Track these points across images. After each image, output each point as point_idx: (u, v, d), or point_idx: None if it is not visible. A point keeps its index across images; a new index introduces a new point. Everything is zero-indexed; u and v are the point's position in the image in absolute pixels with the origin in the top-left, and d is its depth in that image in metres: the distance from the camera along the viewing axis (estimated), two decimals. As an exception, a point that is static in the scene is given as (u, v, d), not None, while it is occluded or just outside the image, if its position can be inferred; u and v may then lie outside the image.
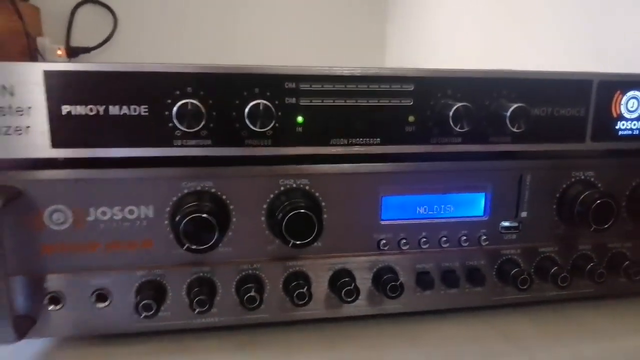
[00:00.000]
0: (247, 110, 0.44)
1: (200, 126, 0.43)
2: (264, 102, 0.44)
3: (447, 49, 1.44)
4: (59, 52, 1.61)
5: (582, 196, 0.53)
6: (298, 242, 0.46)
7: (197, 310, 0.47)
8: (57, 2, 1.66)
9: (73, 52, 1.66)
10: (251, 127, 0.44)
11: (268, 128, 0.44)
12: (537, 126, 0.51)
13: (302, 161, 0.49)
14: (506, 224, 0.55)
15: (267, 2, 1.81)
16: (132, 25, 1.73)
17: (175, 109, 0.43)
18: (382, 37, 1.90)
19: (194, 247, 0.45)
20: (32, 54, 1.52)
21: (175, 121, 0.43)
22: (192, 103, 0.42)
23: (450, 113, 0.47)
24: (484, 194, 0.54)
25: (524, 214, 0.55)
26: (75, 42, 1.69)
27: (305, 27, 1.84)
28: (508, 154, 0.54)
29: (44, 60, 1.55)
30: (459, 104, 0.47)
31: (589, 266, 0.55)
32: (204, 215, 0.45)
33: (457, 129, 0.47)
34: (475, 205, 0.54)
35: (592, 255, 0.57)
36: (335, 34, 1.86)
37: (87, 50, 1.68)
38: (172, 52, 1.74)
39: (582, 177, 0.55)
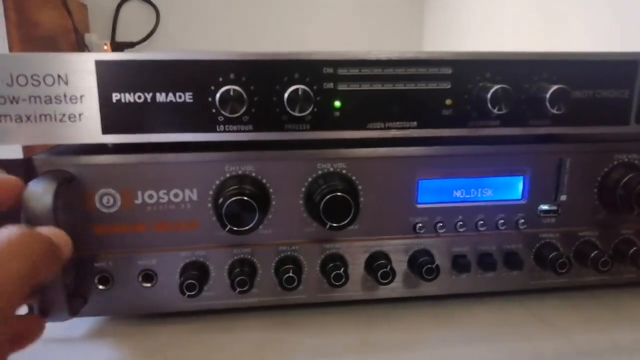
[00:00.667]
0: (286, 95, 0.45)
1: (242, 111, 0.45)
2: (303, 87, 0.45)
3: (486, 34, 1.41)
4: (105, 47, 1.66)
5: (625, 179, 0.52)
6: (335, 225, 0.47)
7: (237, 290, 0.49)
8: None
9: (118, 47, 1.72)
10: (290, 112, 0.45)
11: (307, 113, 0.45)
12: (578, 109, 0.50)
13: (339, 145, 0.50)
14: (545, 207, 0.55)
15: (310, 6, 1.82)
16: (174, 20, 1.77)
17: (218, 95, 0.44)
18: (420, 22, 1.88)
19: (235, 228, 0.47)
20: (81, 50, 1.58)
21: (218, 107, 0.44)
22: (234, 89, 0.44)
23: (489, 95, 0.46)
24: (522, 177, 0.54)
25: (563, 198, 0.54)
26: (120, 37, 1.74)
27: (342, 13, 1.84)
28: (548, 136, 0.53)
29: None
30: (497, 86, 0.46)
31: (632, 250, 0.54)
32: (245, 197, 0.46)
33: (495, 111, 0.47)
34: (514, 188, 0.54)
35: (635, 240, 0.56)
36: (372, 20, 1.85)
37: (131, 45, 1.73)
38: (214, 46, 1.77)
39: (626, 160, 0.54)
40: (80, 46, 1.57)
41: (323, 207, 0.47)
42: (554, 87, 0.47)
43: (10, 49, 1.22)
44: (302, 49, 1.79)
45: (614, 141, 0.54)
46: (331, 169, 0.50)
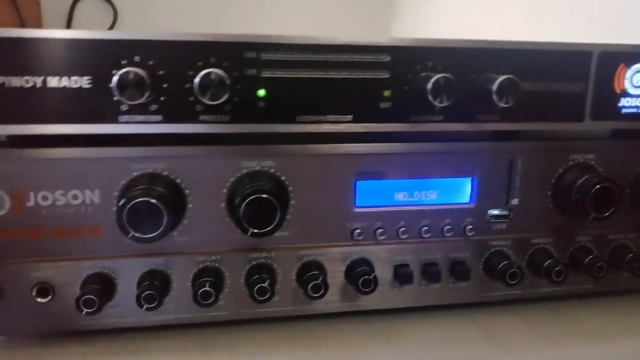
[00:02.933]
0: (197, 80, 0.39)
1: (145, 98, 0.38)
2: (217, 71, 0.39)
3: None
4: None
5: (580, 181, 0.48)
6: (257, 231, 0.41)
7: (145, 306, 0.42)
8: None
9: None
10: (202, 99, 0.39)
11: (221, 101, 0.39)
12: (529, 103, 0.46)
13: (267, 141, 0.44)
14: (495, 212, 0.50)
15: (277, 6, 1.76)
16: (132, 19, 1.69)
17: (115, 78, 0.38)
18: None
19: (138, 235, 0.40)
20: None
21: (116, 92, 0.38)
22: (134, 72, 0.38)
23: (429, 85, 0.41)
24: (470, 178, 0.49)
25: (515, 202, 0.50)
26: None
27: (310, 27, 1.79)
28: (497, 134, 0.49)
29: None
30: (439, 75, 0.41)
31: (588, 259, 0.50)
32: (152, 200, 0.40)
33: (436, 103, 0.42)
34: (461, 191, 0.49)
35: (592, 247, 0.52)
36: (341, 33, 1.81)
37: None
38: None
39: (581, 161, 0.50)
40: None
41: (244, 210, 0.41)
42: (502, 78, 0.42)
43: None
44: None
45: (568, 139, 0.50)
46: (257, 168, 0.45)
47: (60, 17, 1.65)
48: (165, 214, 0.40)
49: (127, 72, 0.38)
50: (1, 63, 0.38)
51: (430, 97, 0.41)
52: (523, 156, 0.49)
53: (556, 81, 0.46)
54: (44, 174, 0.42)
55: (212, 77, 0.39)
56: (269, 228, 0.42)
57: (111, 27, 1.67)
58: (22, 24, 1.43)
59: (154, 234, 0.40)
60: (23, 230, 0.43)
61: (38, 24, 1.57)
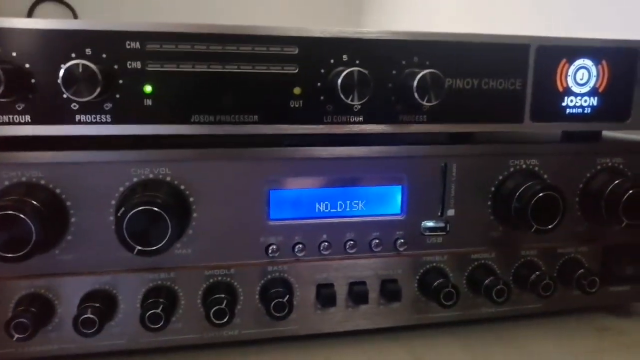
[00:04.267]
0: (61, 73, 0.33)
1: (11, 97, 0.33)
2: (83, 62, 0.33)
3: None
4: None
5: (521, 189, 0.43)
6: (142, 249, 0.36)
7: (15, 337, 0.36)
8: (14, 1, 1.57)
9: None
10: (69, 95, 0.34)
11: (91, 97, 0.34)
12: (460, 102, 0.41)
13: (157, 144, 0.39)
14: (430, 224, 0.45)
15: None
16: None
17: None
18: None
19: (3, 254, 0.34)
20: None
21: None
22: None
23: (339, 81, 0.36)
24: (400, 186, 0.44)
25: (451, 212, 0.45)
26: None
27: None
28: (429, 137, 0.44)
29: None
30: (351, 69, 0.36)
31: (534, 276, 0.45)
32: (20, 214, 0.34)
33: (348, 101, 0.37)
34: (390, 200, 0.44)
35: (539, 262, 0.47)
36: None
37: None
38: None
39: (523, 167, 0.45)
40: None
41: (127, 225, 0.35)
42: (423, 72, 0.37)
43: None
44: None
45: (508, 143, 0.45)
46: (151, 176, 0.39)
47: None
48: (33, 229, 0.34)
49: None
50: None
51: (341, 94, 0.36)
52: (458, 161, 0.44)
53: (490, 77, 0.42)
54: None
55: (81, 69, 0.33)
56: (157, 246, 0.36)
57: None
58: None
59: (21, 253, 0.34)
60: None
61: (-8, 26, 1.51)
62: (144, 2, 1.68)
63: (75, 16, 1.63)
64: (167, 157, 0.39)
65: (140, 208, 0.35)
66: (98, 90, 0.34)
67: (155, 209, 0.36)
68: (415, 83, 0.37)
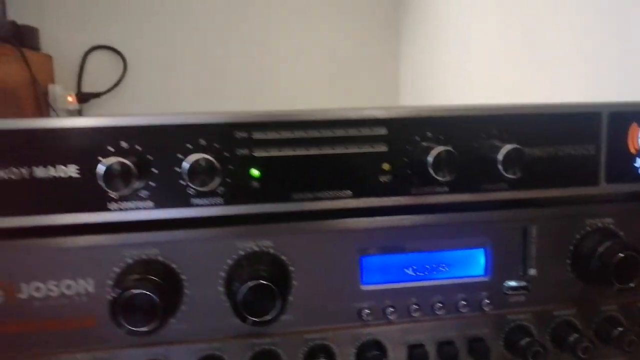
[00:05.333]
0: (186, 166, 0.38)
1: (134, 187, 0.37)
2: (205, 156, 0.38)
3: (460, 82, 1.37)
4: (70, 99, 1.61)
5: (600, 248, 0.45)
6: (257, 320, 0.39)
7: (139, 403, 0.40)
8: (68, 49, 1.67)
9: (84, 98, 1.67)
10: (192, 186, 0.38)
11: (213, 187, 0.38)
12: (538, 169, 0.44)
13: (263, 220, 0.43)
14: (512, 283, 0.47)
15: (282, 42, 1.79)
16: (142, 69, 1.73)
17: (101, 168, 0.37)
18: (396, 76, 1.85)
19: (134, 329, 0.38)
20: (41, 103, 1.52)
21: (102, 183, 0.37)
22: (120, 162, 0.37)
23: (430, 159, 0.40)
24: (483, 249, 0.46)
25: (532, 272, 0.47)
26: (87, 88, 1.69)
27: (314, 68, 1.81)
28: (508, 202, 0.46)
29: (53, 109, 1.55)
30: (441, 149, 0.40)
31: (616, 332, 0.46)
32: (146, 291, 0.38)
33: (439, 177, 0.40)
34: (474, 263, 0.46)
35: (620, 317, 0.48)
36: (347, 72, 1.82)
37: (97, 95, 1.68)
38: (183, 94, 1.72)
39: (600, 226, 0.47)
40: (42, 99, 1.52)
41: (242, 300, 0.39)
42: (508, 148, 0.40)
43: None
44: (277, 104, 1.75)
45: (584, 204, 0.47)
46: (256, 248, 0.43)
47: (72, 69, 1.69)
48: (159, 304, 0.38)
49: (112, 164, 0.37)
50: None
51: (431, 172, 0.39)
52: (537, 223, 0.46)
53: (566, 144, 0.44)
54: (34, 265, 0.41)
55: (202, 163, 0.38)
56: (269, 317, 0.39)
57: (121, 78, 1.70)
58: (33, 79, 1.47)
59: (149, 328, 0.38)
60: (16, 323, 0.41)
61: (50, 79, 1.61)
62: (189, 54, 1.75)
63: (125, 63, 1.71)
64: (270, 231, 0.43)
65: (253, 283, 0.39)
66: (218, 180, 0.38)
67: (266, 282, 0.39)
68: (500, 157, 0.40)
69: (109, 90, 1.71)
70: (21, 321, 0.41)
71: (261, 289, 0.39)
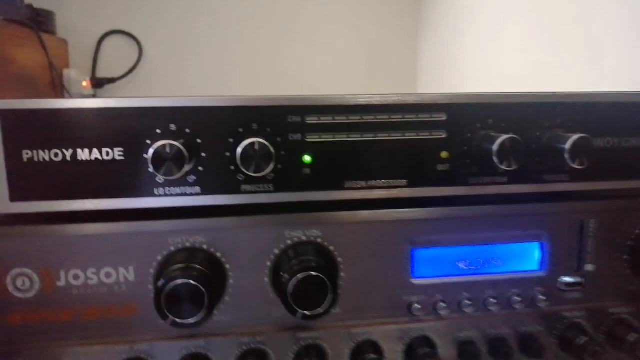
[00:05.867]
0: (239, 150, 0.36)
1: (183, 172, 0.35)
2: (260, 140, 0.36)
3: (477, 74, 1.35)
4: (84, 84, 1.59)
5: (662, 245, 0.43)
6: (309, 314, 0.37)
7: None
8: (83, 33, 1.65)
9: (98, 83, 1.65)
10: (245, 171, 0.36)
11: (266, 172, 0.36)
12: (601, 160, 0.41)
13: (312, 209, 0.41)
14: (567, 279, 0.45)
15: (296, 28, 1.76)
16: (157, 54, 1.71)
17: (151, 152, 0.35)
18: (414, 61, 1.83)
19: (178, 320, 0.36)
20: (58, 87, 1.51)
21: (152, 167, 0.35)
22: (171, 145, 0.35)
23: (495, 148, 0.37)
24: (538, 243, 0.44)
25: (589, 267, 0.45)
26: (102, 72, 1.67)
27: (335, 50, 1.78)
28: (565, 194, 0.44)
29: (68, 93, 1.53)
30: (505, 137, 0.37)
31: (676, 331, 0.44)
32: (192, 281, 0.36)
33: (503, 167, 0.37)
34: (528, 257, 0.44)
35: (678, 316, 0.46)
36: (366, 60, 1.79)
37: (112, 80, 1.66)
38: (199, 81, 1.70)
39: (661, 221, 0.45)
40: (57, 83, 1.50)
41: (292, 292, 0.37)
42: (575, 137, 0.38)
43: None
44: (288, 85, 1.73)
45: (646, 197, 0.45)
46: (303, 238, 0.41)
47: (87, 54, 1.67)
48: (206, 296, 0.36)
49: (163, 146, 0.35)
50: (27, 136, 0.36)
51: (496, 161, 0.37)
52: (596, 217, 0.44)
53: (631, 135, 0.42)
54: (74, 252, 0.39)
55: (257, 147, 0.35)
56: (320, 310, 0.37)
57: (136, 63, 1.68)
58: (50, 64, 1.45)
59: (194, 320, 0.36)
60: (53, 312, 0.40)
61: (64, 63, 1.59)
62: (204, 39, 1.72)
63: (140, 48, 1.69)
64: (321, 220, 0.41)
65: (303, 275, 0.37)
66: (272, 165, 0.36)
67: (318, 274, 0.37)
68: (567, 146, 0.38)
69: (123, 76, 1.69)
70: (58, 310, 0.40)
71: (312, 280, 0.37)
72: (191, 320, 0.36)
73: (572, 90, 0.42)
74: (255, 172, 0.36)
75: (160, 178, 0.37)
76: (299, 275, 0.37)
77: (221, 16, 1.75)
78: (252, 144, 0.35)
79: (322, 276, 0.37)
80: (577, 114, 0.41)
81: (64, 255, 0.39)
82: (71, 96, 1.54)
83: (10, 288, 0.39)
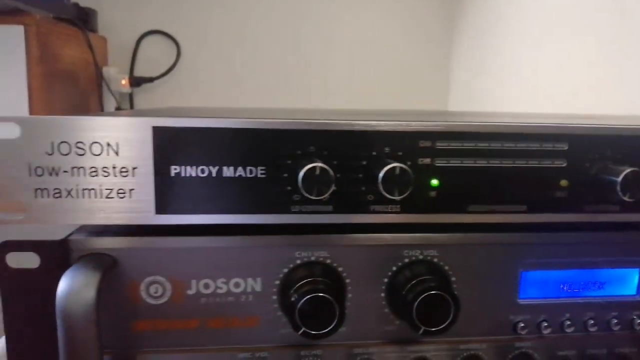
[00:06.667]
0: (381, 175, 0.37)
1: (330, 192, 0.37)
2: (401, 165, 0.37)
3: (510, 88, 1.37)
4: (123, 82, 1.62)
5: None
6: (433, 329, 0.39)
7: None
8: (123, 32, 1.68)
9: (136, 82, 1.67)
10: (386, 195, 0.38)
11: (404, 195, 0.38)
12: None
13: (430, 229, 0.42)
14: (663, 305, 0.46)
15: (336, 39, 1.78)
16: (196, 55, 1.73)
17: (302, 174, 0.37)
18: (447, 76, 1.84)
19: (312, 332, 0.38)
20: (99, 84, 1.53)
21: (300, 186, 0.37)
22: (321, 167, 0.36)
23: (619, 179, 0.39)
24: (638, 269, 0.46)
25: (684, 294, 0.46)
26: (139, 72, 1.70)
27: (366, 66, 1.80)
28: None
29: (109, 89, 1.56)
30: (628, 170, 0.39)
31: None
32: (327, 296, 0.38)
33: (626, 198, 0.39)
34: (627, 282, 0.46)
35: None
36: (399, 71, 1.81)
37: (150, 80, 1.69)
38: (236, 86, 1.72)
39: None
40: (99, 80, 1.53)
41: (416, 310, 0.39)
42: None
43: (29, 84, 1.17)
44: (326, 96, 1.74)
45: None
46: (420, 257, 0.42)
47: (125, 52, 1.70)
48: (337, 309, 0.38)
49: (313, 168, 0.36)
50: (176, 152, 0.38)
51: (619, 192, 0.39)
52: (695, 246, 0.45)
53: None
54: (206, 262, 0.41)
55: (397, 171, 0.37)
56: (442, 326, 0.39)
57: (174, 64, 1.71)
58: (95, 61, 1.48)
59: (326, 330, 0.38)
60: (182, 319, 0.41)
61: (104, 61, 1.62)
62: (242, 42, 1.74)
63: (178, 48, 1.71)
64: (436, 242, 0.42)
65: (429, 293, 0.39)
66: (411, 187, 0.38)
67: (442, 293, 0.39)
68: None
69: (161, 76, 1.71)
70: (186, 318, 0.41)
71: (438, 298, 0.39)
72: (324, 331, 0.38)
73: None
74: (397, 195, 0.37)
75: (297, 196, 0.39)
76: (421, 295, 0.39)
77: (261, 24, 1.77)
78: (394, 168, 0.37)
79: (446, 295, 0.39)
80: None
81: (198, 264, 0.41)
82: (113, 94, 1.56)
83: (144, 295, 0.41)
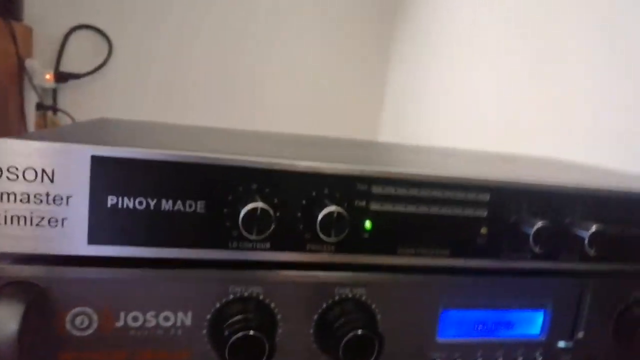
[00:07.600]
0: (320, 217, 0.39)
1: (270, 232, 0.38)
2: (339, 210, 0.39)
3: (443, 121, 1.44)
4: (48, 77, 1.53)
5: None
6: (359, 366, 0.41)
7: None
8: (51, 23, 1.59)
9: (62, 77, 1.59)
10: (323, 236, 0.39)
11: (340, 237, 0.39)
12: (611, 246, 0.48)
13: (361, 269, 0.44)
14: (562, 344, 0.51)
15: (271, 57, 1.78)
16: (128, 57, 1.67)
17: (243, 213, 0.37)
18: (381, 101, 1.90)
19: (241, 367, 0.39)
20: (20, 78, 1.44)
21: (240, 225, 0.37)
22: (262, 208, 0.37)
23: (532, 232, 0.43)
24: (542, 311, 0.50)
25: (580, 334, 0.51)
26: (66, 67, 1.61)
27: (297, 88, 1.82)
28: (574, 272, 0.50)
29: (31, 83, 1.47)
30: (541, 224, 0.43)
31: (646, 395, 0.52)
32: (257, 334, 0.39)
33: (537, 249, 0.43)
34: (533, 323, 0.50)
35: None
36: (332, 95, 1.85)
37: (77, 76, 1.61)
38: (166, 90, 1.68)
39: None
40: (21, 73, 1.44)
41: (344, 346, 0.40)
42: (594, 228, 0.44)
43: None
44: (257, 111, 1.74)
45: (633, 277, 0.52)
46: (350, 295, 0.44)
47: (52, 45, 1.61)
48: (267, 345, 0.39)
49: (254, 208, 0.37)
50: (114, 183, 0.37)
51: (531, 242, 0.43)
52: (592, 290, 0.51)
53: (635, 225, 0.49)
54: (136, 294, 0.40)
55: (334, 215, 0.39)
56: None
57: (104, 62, 1.64)
58: (18, 55, 1.40)
59: (259, 367, 0.39)
60: (108, 352, 0.40)
61: (28, 52, 1.53)
62: (174, 35, 1.71)
63: (110, 46, 1.65)
64: (365, 281, 0.44)
65: (355, 333, 0.41)
66: (347, 230, 0.39)
67: (369, 332, 0.41)
68: (587, 236, 0.44)
69: (90, 73, 1.64)
70: (112, 350, 0.41)
71: (361, 339, 0.41)
72: (253, 370, 0.39)
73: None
74: (333, 237, 0.39)
75: (235, 232, 0.39)
76: (352, 333, 0.41)
77: (200, 30, 1.74)
78: (332, 212, 0.39)
79: (372, 334, 0.41)
80: (596, 205, 0.47)
81: (129, 296, 0.40)
82: (35, 88, 1.48)
83: (68, 326, 0.39)
